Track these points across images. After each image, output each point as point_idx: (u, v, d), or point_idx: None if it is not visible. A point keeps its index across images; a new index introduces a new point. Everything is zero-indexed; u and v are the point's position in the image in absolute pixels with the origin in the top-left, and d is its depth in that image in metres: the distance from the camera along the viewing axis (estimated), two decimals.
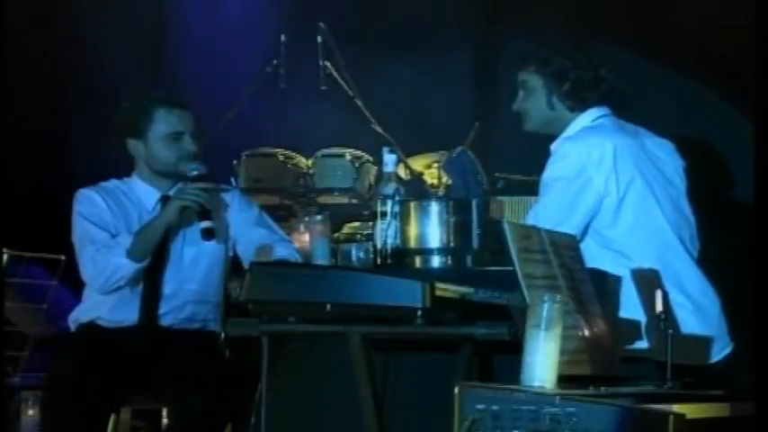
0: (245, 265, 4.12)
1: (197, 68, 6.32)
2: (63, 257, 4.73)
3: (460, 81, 6.27)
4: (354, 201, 5.86)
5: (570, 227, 3.58)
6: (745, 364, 3.40)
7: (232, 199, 4.31)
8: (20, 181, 5.18)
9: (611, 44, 5.07)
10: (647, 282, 3.61)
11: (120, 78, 6.09)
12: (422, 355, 3.66)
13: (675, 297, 3.59)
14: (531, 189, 4.45)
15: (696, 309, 3.70)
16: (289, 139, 6.09)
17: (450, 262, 3.57)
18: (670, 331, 3.10)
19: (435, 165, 5.65)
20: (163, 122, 4.18)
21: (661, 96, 5.41)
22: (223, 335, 4.31)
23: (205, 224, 4.06)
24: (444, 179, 5.50)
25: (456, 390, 2.77)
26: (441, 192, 5.37)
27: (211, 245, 4.14)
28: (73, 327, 4.24)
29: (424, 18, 6.35)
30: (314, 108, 6.10)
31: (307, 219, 4.13)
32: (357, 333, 3.24)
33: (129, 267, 4.07)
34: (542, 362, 2.78)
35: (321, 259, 3.77)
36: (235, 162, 5.87)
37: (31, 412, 4.79)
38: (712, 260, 3.91)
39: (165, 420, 4.58)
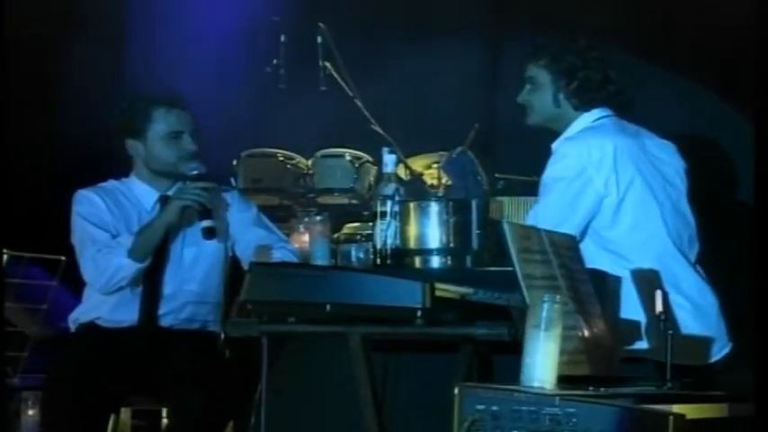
0: (244, 265, 4.12)
1: (197, 68, 6.32)
2: (63, 258, 4.74)
3: (461, 81, 6.27)
4: (354, 201, 5.86)
5: (570, 227, 3.58)
6: (744, 364, 3.40)
7: (232, 199, 4.32)
8: (20, 181, 5.18)
9: (613, 44, 5.06)
10: (646, 282, 3.61)
11: (119, 78, 6.09)
12: (422, 356, 3.66)
13: (673, 298, 3.59)
14: (531, 189, 4.45)
15: (694, 309, 3.70)
16: (289, 139, 6.09)
17: (449, 262, 3.57)
18: (670, 332, 3.10)
19: (435, 165, 5.66)
20: (162, 122, 4.18)
21: (662, 96, 5.41)
22: (223, 335, 4.31)
23: (206, 223, 4.06)
24: (444, 179, 5.50)
25: (456, 390, 2.77)
26: (440, 192, 5.37)
27: (211, 245, 4.14)
28: (73, 327, 4.24)
29: (425, 18, 6.36)
30: (314, 108, 6.10)
31: (306, 219, 4.13)
32: (357, 333, 3.24)
33: (130, 267, 4.07)
34: (542, 362, 2.78)
35: (321, 260, 3.77)
36: (234, 162, 5.88)
37: (31, 412, 4.79)
38: (713, 260, 3.92)
39: (165, 420, 4.58)
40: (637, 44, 5.53)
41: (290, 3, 6.26)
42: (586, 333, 3.09)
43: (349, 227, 5.25)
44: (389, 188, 3.72)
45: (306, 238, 4.00)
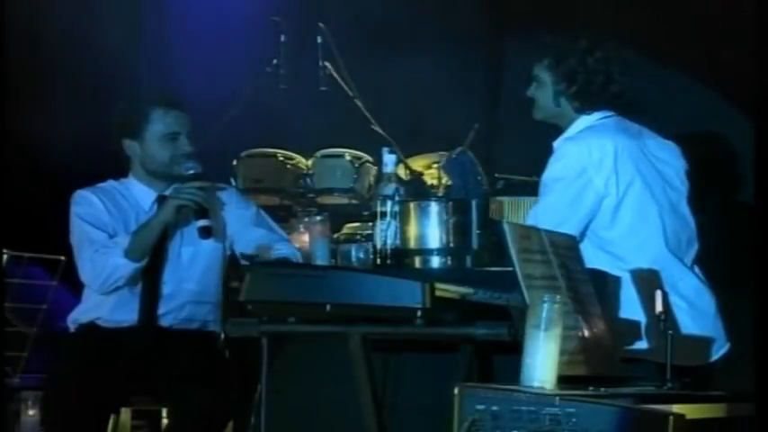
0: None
1: (197, 68, 6.32)
2: (63, 258, 4.73)
3: (461, 81, 6.27)
4: (354, 201, 5.85)
5: (570, 228, 3.58)
6: (743, 364, 3.40)
7: (229, 197, 4.31)
8: (20, 181, 5.17)
9: (616, 43, 5.05)
10: (645, 283, 3.61)
11: (118, 78, 6.09)
12: (422, 356, 3.66)
13: (671, 299, 3.57)
14: (531, 189, 4.45)
15: (691, 310, 3.70)
16: (289, 139, 6.09)
17: (449, 262, 3.57)
18: (670, 332, 3.10)
19: (435, 165, 5.65)
20: (159, 123, 4.18)
21: (664, 96, 5.40)
22: (223, 335, 4.31)
23: (202, 222, 4.06)
24: (444, 179, 5.50)
25: (456, 390, 2.77)
26: (440, 192, 5.37)
27: (209, 244, 4.14)
28: (72, 327, 4.24)
29: (425, 17, 6.35)
30: (314, 108, 6.10)
31: (306, 219, 4.13)
32: (357, 333, 3.24)
33: (127, 267, 4.07)
34: (542, 362, 2.78)
35: (321, 260, 3.77)
36: (234, 162, 5.87)
37: (31, 412, 4.79)
38: (714, 260, 3.91)
39: (165, 420, 4.58)
40: (639, 43, 5.53)
41: (290, 3, 6.25)
42: (586, 333, 3.09)
43: (349, 227, 5.24)
44: (389, 188, 3.73)
45: (306, 238, 4.00)
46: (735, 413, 2.93)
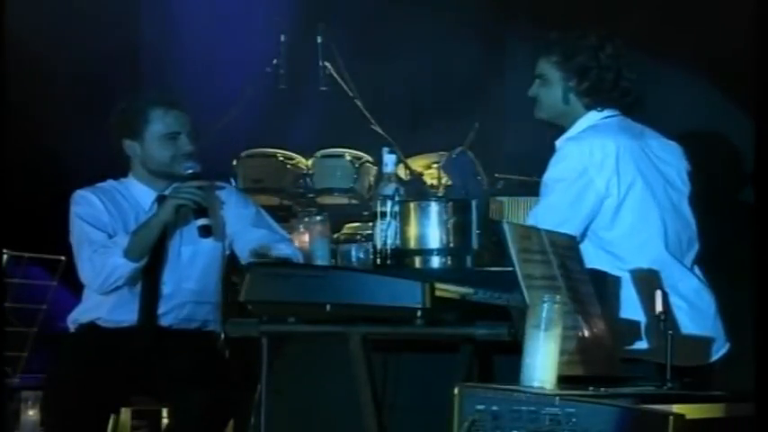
0: (244, 263, 4.11)
1: (197, 68, 6.33)
2: (63, 258, 4.74)
3: (461, 80, 6.27)
4: (354, 201, 5.86)
5: (571, 228, 3.57)
6: (742, 364, 3.40)
7: (228, 196, 4.31)
8: (20, 181, 5.17)
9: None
10: (645, 283, 3.60)
11: (118, 78, 6.09)
12: (421, 356, 3.65)
13: (671, 299, 3.57)
14: (531, 190, 4.45)
15: (691, 310, 3.69)
16: (288, 139, 6.09)
17: (449, 262, 3.57)
18: (670, 332, 3.10)
19: (435, 165, 5.66)
20: (159, 123, 4.18)
21: (667, 96, 5.40)
22: (223, 335, 4.31)
23: (202, 221, 4.06)
24: (444, 179, 5.50)
25: (456, 390, 2.77)
26: (440, 192, 5.37)
27: (208, 243, 4.14)
28: (72, 327, 4.25)
29: (425, 17, 6.36)
30: (314, 108, 6.10)
31: (306, 219, 4.13)
32: (357, 333, 3.24)
33: (126, 267, 4.07)
34: (542, 362, 2.78)
35: (321, 260, 3.77)
36: (234, 162, 5.88)
37: (31, 412, 4.79)
38: (714, 260, 3.91)
39: (165, 420, 4.59)
40: (643, 43, 5.53)
41: (290, 3, 6.26)
42: (586, 333, 3.09)
43: (349, 227, 5.25)
44: (389, 188, 3.73)
45: (306, 238, 4.00)
46: (735, 413, 2.93)
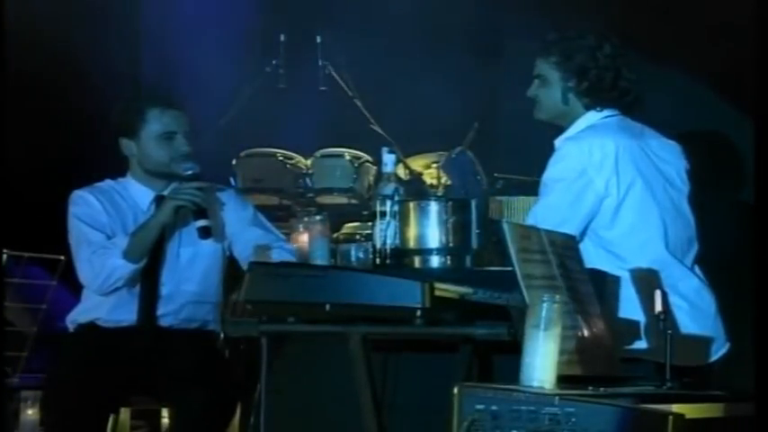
0: (243, 265, 4.11)
1: (196, 68, 6.32)
2: (62, 258, 4.73)
3: (460, 80, 6.27)
4: (353, 201, 5.87)
5: (570, 228, 3.57)
6: (742, 364, 3.40)
7: (228, 198, 4.31)
8: (19, 181, 5.17)
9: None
10: (645, 283, 3.60)
11: (118, 78, 6.09)
12: (421, 356, 3.65)
13: (671, 299, 3.57)
14: (531, 189, 4.45)
15: (691, 310, 3.69)
16: (288, 138, 6.09)
17: (449, 262, 3.57)
18: (669, 332, 3.10)
19: (434, 165, 5.66)
20: (156, 122, 4.17)
21: (667, 95, 5.39)
22: (222, 335, 4.31)
23: (201, 223, 4.06)
24: (443, 179, 5.50)
25: (455, 390, 2.77)
26: (440, 192, 5.37)
27: (208, 244, 4.14)
28: (71, 327, 4.24)
29: (425, 17, 6.35)
30: (314, 108, 6.10)
31: (306, 219, 4.12)
32: (357, 333, 3.24)
33: (125, 268, 4.07)
34: (541, 362, 2.78)
35: (320, 259, 3.77)
36: (234, 162, 5.88)
37: (30, 412, 4.79)
38: (714, 260, 3.91)
39: (164, 420, 4.59)
40: (641, 42, 5.53)
41: (290, 3, 6.26)
42: (586, 333, 3.09)
43: (348, 226, 5.25)
44: (389, 188, 3.72)
45: (305, 237, 3.99)
46: (734, 413, 2.93)
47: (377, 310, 3.20)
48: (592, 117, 3.85)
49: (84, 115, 5.78)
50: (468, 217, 3.60)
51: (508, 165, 5.43)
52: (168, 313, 4.18)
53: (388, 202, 3.64)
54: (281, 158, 5.90)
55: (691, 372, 3.40)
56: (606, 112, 3.84)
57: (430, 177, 5.65)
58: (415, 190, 5.27)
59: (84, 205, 4.20)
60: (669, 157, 3.86)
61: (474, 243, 3.60)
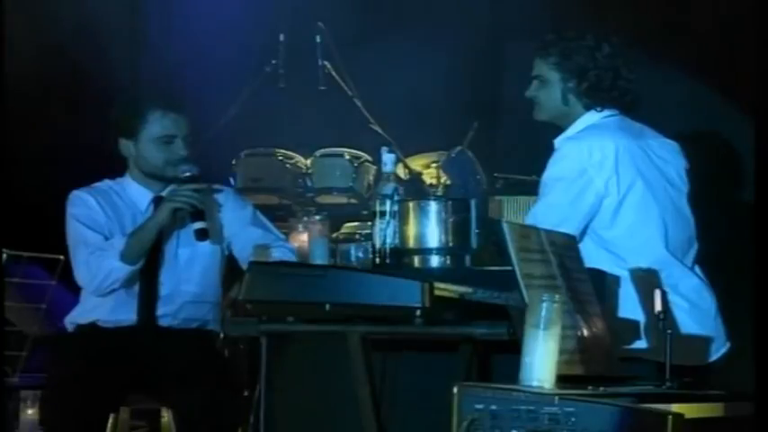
0: (243, 265, 4.11)
1: (196, 68, 6.32)
2: (62, 257, 4.73)
3: (460, 80, 6.27)
4: (353, 200, 5.87)
5: (570, 227, 3.57)
6: (742, 364, 3.40)
7: (225, 199, 4.30)
8: (19, 181, 5.17)
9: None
10: (645, 282, 3.60)
11: (119, 78, 6.09)
12: (421, 355, 3.65)
13: (671, 298, 3.57)
14: (531, 189, 4.45)
15: (692, 309, 3.69)
16: (288, 138, 6.09)
17: (448, 262, 3.57)
18: (669, 331, 3.10)
19: (434, 164, 5.66)
20: (156, 125, 4.16)
21: (666, 95, 5.39)
22: (222, 334, 4.31)
23: (198, 225, 4.06)
24: (443, 179, 5.50)
25: (455, 389, 2.76)
26: (439, 191, 5.37)
27: (207, 244, 4.14)
28: (70, 328, 4.24)
29: (424, 16, 6.36)
30: (313, 108, 6.10)
31: (305, 218, 4.14)
32: (356, 333, 3.24)
33: (122, 270, 4.07)
34: (541, 362, 2.77)
35: (320, 259, 3.77)
36: (234, 162, 5.88)
37: (30, 412, 4.78)
38: (714, 260, 3.91)
39: (164, 420, 4.58)
40: (642, 43, 5.53)
41: (289, 3, 6.26)
42: (585, 332, 3.09)
43: (348, 226, 5.25)
44: (388, 187, 3.72)
45: (305, 237, 4.01)
46: (734, 413, 2.92)
47: (376, 310, 3.20)
48: (592, 117, 3.84)
49: (85, 116, 5.78)
50: (468, 216, 3.59)
51: (508, 165, 5.43)
52: (168, 313, 4.18)
53: (388, 202, 3.64)
54: (280, 158, 5.90)
55: (691, 371, 3.40)
56: (606, 112, 3.84)
57: (430, 177, 5.65)
58: (415, 190, 5.27)
59: (82, 206, 4.19)
60: (669, 157, 3.86)
61: (474, 243, 3.60)
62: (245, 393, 4.34)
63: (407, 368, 3.66)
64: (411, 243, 3.59)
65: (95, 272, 4.08)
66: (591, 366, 3.05)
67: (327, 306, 3.22)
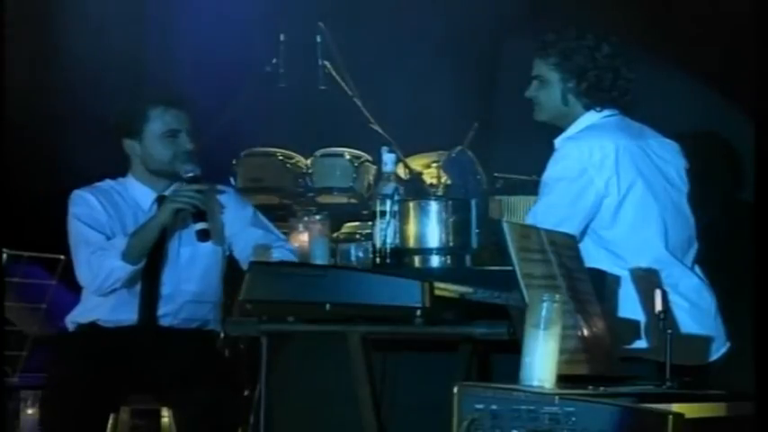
0: (243, 266, 4.11)
1: (196, 68, 6.32)
2: (62, 257, 4.73)
3: (460, 80, 6.27)
4: (353, 200, 5.87)
5: (570, 227, 3.57)
6: (742, 364, 3.40)
7: (227, 199, 4.31)
8: (19, 181, 5.17)
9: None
10: (645, 282, 3.60)
11: (117, 78, 6.09)
12: (421, 355, 3.65)
13: (671, 298, 3.56)
14: (531, 189, 4.45)
15: (692, 309, 3.69)
16: (288, 138, 6.09)
17: (449, 262, 3.57)
18: (669, 331, 3.10)
19: (434, 164, 5.66)
20: (158, 121, 4.17)
21: (666, 95, 5.39)
22: (222, 334, 4.31)
23: (200, 226, 4.06)
24: (443, 179, 5.50)
25: (455, 389, 2.76)
26: (440, 191, 5.37)
27: (208, 244, 4.14)
28: (71, 327, 4.24)
29: (425, 16, 6.36)
30: (313, 107, 6.10)
31: (306, 218, 4.13)
32: (356, 333, 3.24)
33: (123, 270, 4.07)
34: (541, 361, 2.77)
35: (320, 259, 3.77)
36: (234, 162, 5.88)
37: (30, 412, 4.79)
38: (714, 260, 3.91)
39: (164, 420, 4.58)
40: (640, 42, 5.53)
41: (289, 2, 6.26)
42: (586, 332, 3.09)
43: (348, 226, 5.25)
44: (389, 187, 3.72)
45: (305, 237, 4.00)
46: (734, 413, 2.92)
47: (377, 310, 3.20)
48: (591, 117, 3.85)
49: (85, 114, 5.79)
50: (469, 216, 3.60)
51: (508, 165, 5.43)
52: (168, 313, 4.18)
53: (388, 202, 3.65)
54: (280, 158, 5.90)
55: (691, 371, 3.40)
56: (606, 112, 3.84)
57: (430, 177, 5.65)
58: (415, 189, 5.27)
59: (84, 205, 4.19)
60: (669, 157, 3.86)
61: (474, 243, 3.60)
62: (245, 393, 4.33)
63: (407, 368, 3.66)
64: (411, 243, 3.59)
65: (97, 271, 4.08)
66: (591, 366, 3.05)
67: (327, 306, 3.22)
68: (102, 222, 4.17)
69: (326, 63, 5.88)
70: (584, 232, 3.71)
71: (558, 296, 2.85)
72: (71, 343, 4.22)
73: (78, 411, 3.97)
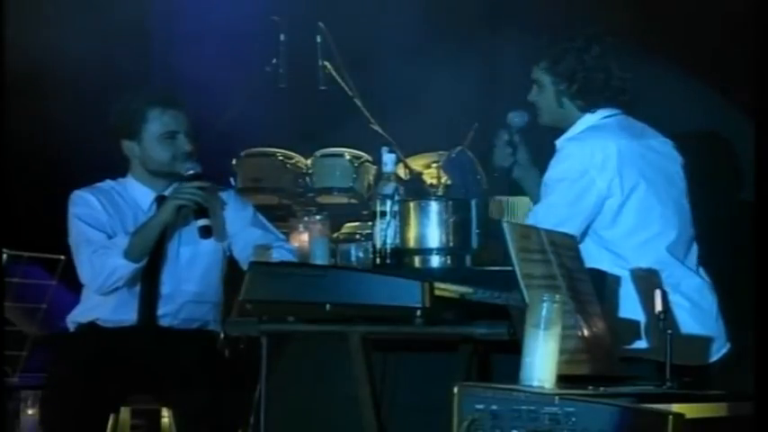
0: (243, 266, 4.11)
1: (196, 68, 6.32)
2: (62, 257, 4.73)
3: (461, 80, 6.26)
4: (353, 200, 5.86)
5: (571, 228, 3.57)
6: (743, 364, 3.40)
7: (228, 198, 4.32)
8: (20, 181, 5.17)
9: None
10: (646, 282, 3.60)
11: (118, 78, 6.08)
12: (421, 355, 3.65)
13: (673, 298, 3.57)
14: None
15: (693, 309, 3.69)
16: (288, 138, 6.09)
17: (449, 262, 3.57)
18: (669, 331, 3.10)
19: (434, 164, 5.66)
20: (157, 122, 4.18)
21: (666, 95, 5.39)
22: (222, 334, 4.31)
23: (202, 222, 4.07)
24: (444, 179, 5.50)
25: (455, 390, 2.76)
26: (440, 191, 5.37)
27: (208, 244, 4.14)
28: (71, 327, 4.25)
29: (424, 16, 6.35)
30: (313, 108, 6.10)
31: (306, 218, 4.13)
32: (356, 333, 3.24)
33: (126, 268, 4.07)
34: (541, 362, 2.77)
35: (320, 259, 3.77)
36: (234, 162, 5.88)
37: (30, 412, 4.79)
38: (714, 260, 3.91)
39: (164, 420, 4.58)
40: (639, 42, 5.53)
41: (290, 2, 6.25)
42: (586, 332, 3.09)
43: (348, 226, 5.25)
44: (389, 187, 3.72)
45: (305, 237, 4.00)
46: (735, 413, 2.92)
47: (377, 310, 3.20)
48: (590, 118, 3.85)
49: (86, 115, 5.78)
50: (469, 217, 3.60)
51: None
52: (168, 313, 4.18)
53: (388, 202, 3.65)
54: (280, 158, 5.90)
55: (691, 371, 3.40)
56: (604, 113, 3.85)
57: (430, 177, 5.64)
58: (415, 190, 5.26)
59: (85, 205, 4.20)
60: (669, 155, 3.87)
61: (474, 243, 3.60)
62: (245, 393, 4.33)
63: (407, 368, 3.66)
64: (411, 243, 3.59)
65: (99, 270, 4.08)
66: (591, 366, 3.05)
67: (327, 306, 3.22)
68: (103, 222, 4.17)
69: (326, 63, 5.88)
70: (585, 233, 3.72)
71: (558, 296, 2.85)
72: (71, 343, 4.22)
73: (78, 411, 3.97)
